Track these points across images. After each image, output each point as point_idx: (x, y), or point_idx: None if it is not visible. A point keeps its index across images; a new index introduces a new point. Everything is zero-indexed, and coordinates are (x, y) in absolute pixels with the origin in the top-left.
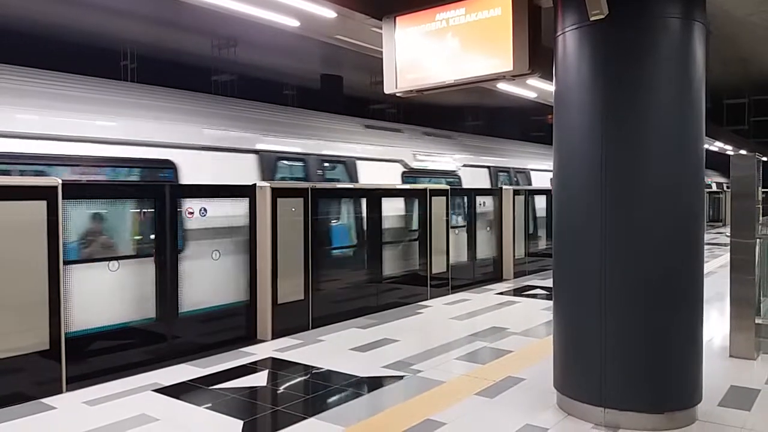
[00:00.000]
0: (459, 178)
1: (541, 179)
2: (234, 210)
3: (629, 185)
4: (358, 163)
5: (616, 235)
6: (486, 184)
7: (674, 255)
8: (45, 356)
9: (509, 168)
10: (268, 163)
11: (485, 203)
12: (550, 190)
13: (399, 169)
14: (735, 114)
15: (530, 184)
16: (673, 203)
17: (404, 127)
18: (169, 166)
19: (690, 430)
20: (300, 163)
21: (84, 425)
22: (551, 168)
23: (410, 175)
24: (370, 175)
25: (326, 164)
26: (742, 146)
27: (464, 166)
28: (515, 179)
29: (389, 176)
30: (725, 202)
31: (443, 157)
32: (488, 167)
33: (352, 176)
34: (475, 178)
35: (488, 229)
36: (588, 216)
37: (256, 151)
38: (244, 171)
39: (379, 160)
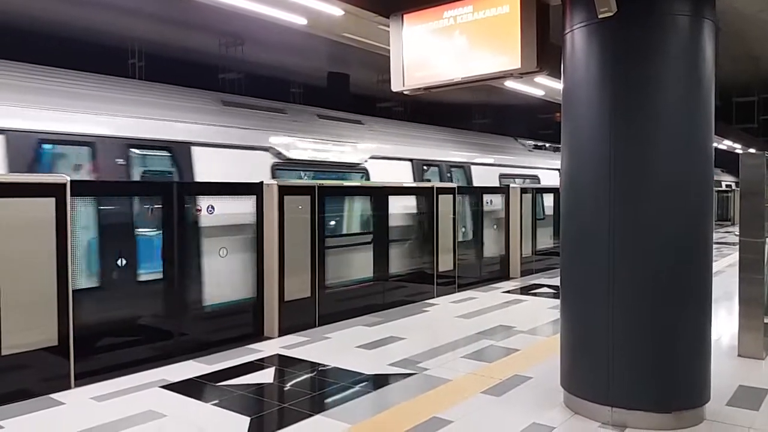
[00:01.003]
0: (366, 172)
1: (488, 176)
2: None
3: (638, 182)
4: (195, 150)
5: (624, 232)
6: (407, 179)
7: (683, 252)
8: (54, 352)
9: (440, 161)
10: (21, 148)
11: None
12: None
13: (268, 159)
14: (744, 112)
15: (470, 181)
16: (681, 201)
17: (289, 106)
18: None
19: (698, 429)
20: (84, 148)
21: (92, 421)
22: (500, 162)
23: (286, 167)
24: (213, 167)
25: (135, 151)
26: (751, 145)
27: (373, 157)
28: (448, 175)
29: (248, 168)
30: (734, 201)
31: (342, 146)
32: (411, 160)
33: (183, 169)
34: (389, 173)
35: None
36: (596, 213)
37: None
38: None
39: (234, 147)
